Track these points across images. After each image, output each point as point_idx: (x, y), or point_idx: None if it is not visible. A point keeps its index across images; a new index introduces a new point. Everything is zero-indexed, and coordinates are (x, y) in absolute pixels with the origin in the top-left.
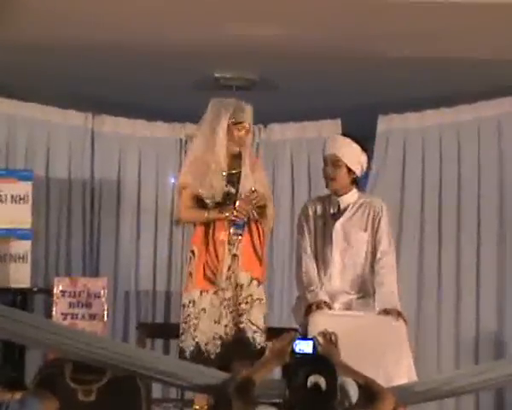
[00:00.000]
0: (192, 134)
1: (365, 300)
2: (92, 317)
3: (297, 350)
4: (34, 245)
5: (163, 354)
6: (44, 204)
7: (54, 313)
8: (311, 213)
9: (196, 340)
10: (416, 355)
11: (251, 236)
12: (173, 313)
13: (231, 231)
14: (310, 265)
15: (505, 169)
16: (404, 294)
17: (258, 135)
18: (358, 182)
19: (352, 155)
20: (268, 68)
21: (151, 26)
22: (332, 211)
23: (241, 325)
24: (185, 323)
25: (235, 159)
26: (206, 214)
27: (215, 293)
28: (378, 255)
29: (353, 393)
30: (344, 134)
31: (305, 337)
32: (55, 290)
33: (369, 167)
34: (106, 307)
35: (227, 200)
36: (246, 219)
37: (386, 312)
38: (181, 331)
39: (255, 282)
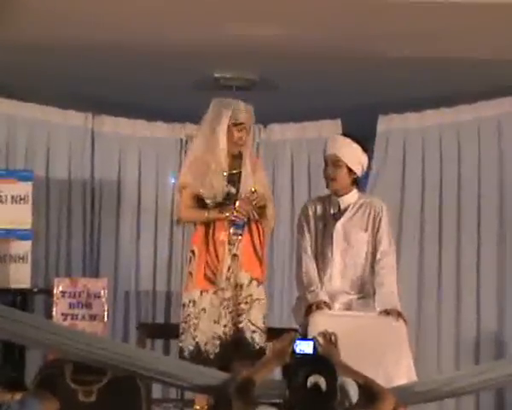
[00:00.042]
0: (192, 134)
1: (365, 300)
2: (92, 317)
3: (297, 350)
4: (34, 245)
5: (163, 355)
6: (44, 204)
7: (54, 313)
8: (311, 213)
9: (196, 340)
10: (417, 355)
11: (251, 236)
12: (173, 314)
13: (231, 231)
14: (310, 265)
15: (505, 169)
16: (405, 294)
17: (259, 135)
18: (359, 182)
19: (352, 155)
20: (268, 68)
21: (151, 26)
22: (332, 211)
23: (241, 325)
24: (185, 322)
25: (236, 159)
26: (206, 214)
27: (215, 293)
28: (378, 256)
29: (353, 393)
30: (344, 134)
31: (305, 338)
32: (55, 291)
33: (369, 167)
34: (106, 308)
35: (227, 200)
36: (246, 220)
37: (386, 312)
38: (181, 331)
39: (255, 282)
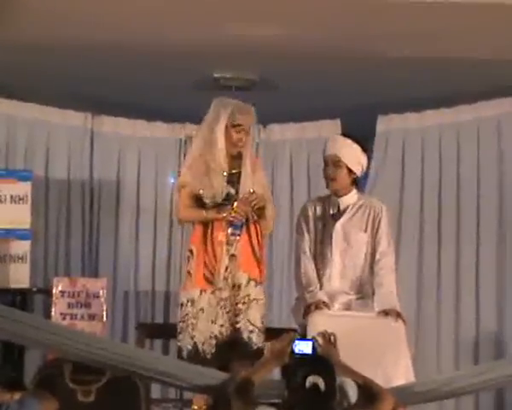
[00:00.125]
0: (192, 134)
1: (364, 300)
2: (91, 317)
3: (296, 351)
4: (33, 245)
5: (162, 355)
6: (44, 204)
7: (53, 313)
8: (310, 213)
9: (194, 339)
10: (416, 356)
11: (249, 236)
12: (172, 314)
13: (229, 231)
14: (309, 265)
15: (505, 169)
16: (404, 294)
17: (258, 135)
18: (358, 183)
19: (352, 155)
20: (268, 68)
21: (151, 26)
22: (332, 211)
23: (238, 326)
24: (183, 322)
25: (235, 159)
26: (204, 214)
27: (213, 293)
28: (377, 256)
29: (352, 393)
30: (344, 134)
31: (304, 338)
32: (54, 291)
33: (368, 168)
34: (105, 308)
35: (226, 200)
36: (244, 220)
37: (385, 312)
38: (178, 330)
39: (253, 282)
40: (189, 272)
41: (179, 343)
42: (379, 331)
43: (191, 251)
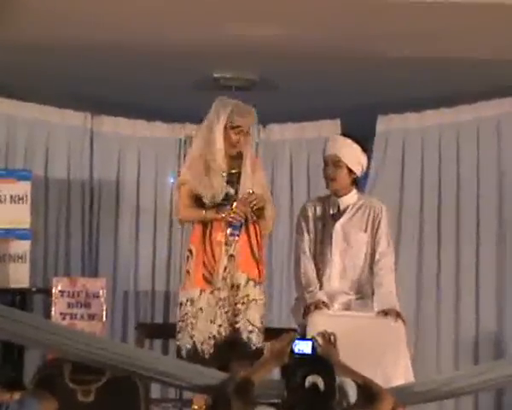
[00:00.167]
0: (191, 134)
1: (364, 300)
2: (91, 317)
3: (296, 350)
4: (33, 245)
5: (162, 355)
6: (43, 204)
7: (53, 313)
8: (310, 213)
9: (193, 339)
10: (416, 356)
11: (248, 237)
12: (172, 314)
13: (228, 231)
14: (308, 265)
15: (504, 169)
16: (404, 294)
17: (258, 135)
18: (358, 183)
19: (352, 155)
20: (268, 68)
21: (151, 26)
22: (332, 211)
23: (237, 326)
24: (182, 321)
25: (235, 159)
26: (203, 213)
27: (211, 293)
28: (377, 256)
29: (352, 393)
30: (344, 134)
31: (304, 338)
32: (53, 290)
33: (368, 168)
34: (105, 308)
35: (226, 200)
36: (243, 221)
37: (384, 312)
38: (178, 330)
39: (252, 282)
40: (188, 272)
41: (178, 343)
42: (378, 331)
43: (190, 251)
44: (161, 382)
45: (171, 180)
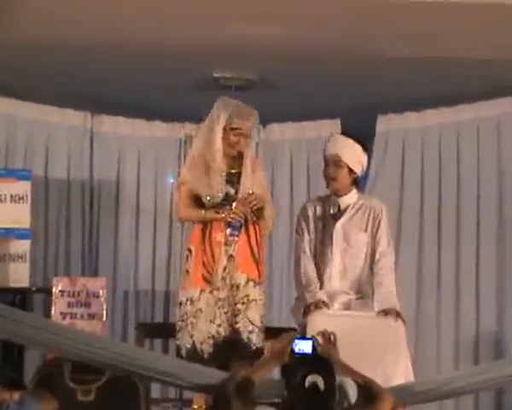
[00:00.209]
0: (191, 134)
1: (364, 300)
2: (91, 317)
3: (296, 350)
4: (33, 245)
5: (162, 354)
6: (43, 204)
7: (53, 312)
8: (310, 213)
9: (193, 339)
10: (416, 356)
11: (248, 237)
12: (172, 313)
13: (228, 232)
14: (308, 265)
15: (505, 169)
16: (404, 294)
17: (258, 135)
18: (358, 182)
19: (353, 155)
20: (267, 68)
21: (151, 26)
22: (332, 211)
23: (237, 326)
24: (182, 321)
25: (235, 159)
26: (203, 213)
27: (211, 292)
28: (377, 256)
29: (352, 393)
30: (344, 134)
31: (304, 337)
32: (54, 290)
33: (368, 167)
34: (105, 307)
35: (225, 200)
36: (242, 221)
37: (384, 312)
38: (177, 329)
39: (251, 283)
40: (187, 271)
41: (178, 342)
42: (378, 331)
43: (190, 250)
44: (162, 381)
45: (171, 180)
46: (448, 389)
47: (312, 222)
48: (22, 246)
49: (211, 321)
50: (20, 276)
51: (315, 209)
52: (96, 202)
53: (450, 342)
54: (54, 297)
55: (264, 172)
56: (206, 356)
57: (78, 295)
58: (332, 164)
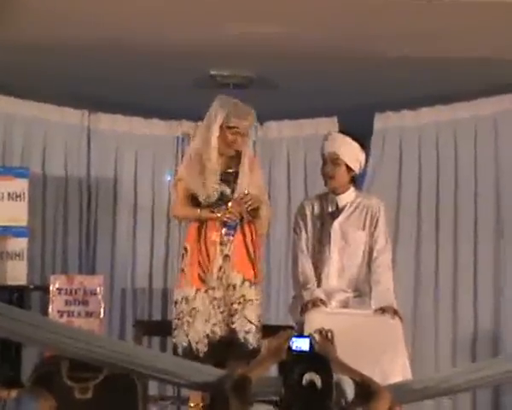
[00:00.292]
0: (188, 132)
1: (362, 298)
2: (89, 314)
3: (293, 347)
4: (30, 243)
5: (160, 352)
6: (41, 202)
7: (50, 310)
8: (308, 211)
9: (189, 338)
10: (414, 354)
11: (244, 237)
12: (170, 311)
13: (223, 231)
14: (306, 264)
15: (502, 167)
16: (401, 292)
17: (255, 133)
18: (356, 180)
19: (351, 153)
20: (265, 66)
21: (149, 26)
22: (330, 210)
23: (234, 326)
24: (178, 319)
25: (232, 158)
26: (198, 212)
27: (206, 292)
28: (374, 254)
29: (349, 391)
30: (341, 132)
31: (301, 335)
32: (51, 288)
33: (365, 165)
34: (102, 305)
35: (221, 200)
36: (238, 221)
37: (382, 310)
38: (174, 327)
39: (247, 283)
40: (183, 270)
41: (174, 340)
42: (376, 329)
43: (186, 249)
44: (159, 379)
45: (169, 178)
46: (446, 386)
47: (310, 221)
48: (19, 244)
49: (206, 320)
50: (17, 274)
51: (313, 208)
52: (94, 199)
53: (448, 339)
54: (51, 295)
55: (261, 171)
56: (201, 355)
57: (76, 293)
58: (330, 162)
